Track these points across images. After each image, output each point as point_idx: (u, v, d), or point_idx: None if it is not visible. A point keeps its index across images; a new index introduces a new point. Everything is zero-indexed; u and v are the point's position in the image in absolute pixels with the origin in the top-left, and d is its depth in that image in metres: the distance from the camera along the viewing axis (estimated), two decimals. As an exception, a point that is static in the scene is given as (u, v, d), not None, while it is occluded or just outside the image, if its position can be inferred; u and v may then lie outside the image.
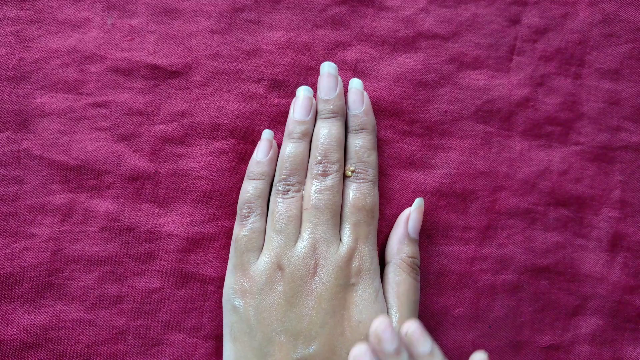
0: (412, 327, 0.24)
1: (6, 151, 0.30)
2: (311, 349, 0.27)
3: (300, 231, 0.29)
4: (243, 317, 0.28)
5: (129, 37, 0.32)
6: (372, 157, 0.30)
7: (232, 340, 0.28)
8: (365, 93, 0.31)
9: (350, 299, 0.28)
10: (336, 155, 0.30)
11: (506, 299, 0.32)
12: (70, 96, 0.31)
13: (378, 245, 0.31)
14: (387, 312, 0.29)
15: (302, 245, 0.28)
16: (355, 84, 0.31)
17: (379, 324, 0.24)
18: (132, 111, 0.31)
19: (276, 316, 0.27)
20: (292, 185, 0.29)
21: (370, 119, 0.31)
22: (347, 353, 0.27)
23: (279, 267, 0.28)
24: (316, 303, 0.28)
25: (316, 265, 0.28)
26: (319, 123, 0.30)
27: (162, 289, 0.30)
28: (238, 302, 0.28)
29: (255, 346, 0.27)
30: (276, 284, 0.28)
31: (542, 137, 0.33)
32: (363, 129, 0.30)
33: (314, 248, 0.28)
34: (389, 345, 0.24)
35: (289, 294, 0.28)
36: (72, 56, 0.31)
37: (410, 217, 0.31)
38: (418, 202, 0.31)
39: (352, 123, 0.31)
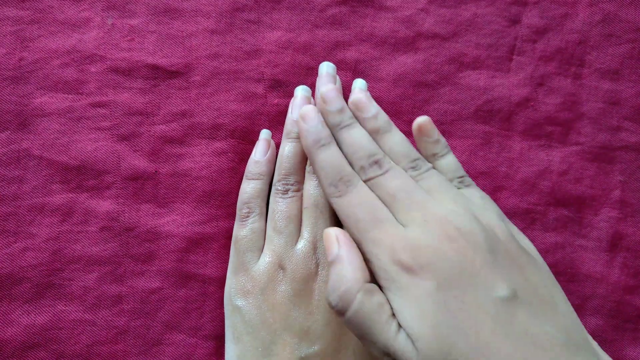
0: (359, 96, 0.27)
1: (6, 151, 0.30)
2: (315, 348, 0.27)
3: (300, 230, 0.29)
4: (246, 318, 0.28)
5: (129, 37, 0.32)
6: None
7: (234, 341, 0.28)
8: (368, 93, 0.31)
9: None
10: None
11: (506, 299, 0.32)
12: (70, 96, 0.31)
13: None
14: None
15: (303, 244, 0.28)
16: (360, 84, 0.31)
17: (325, 89, 0.27)
18: (132, 111, 0.31)
19: (279, 316, 0.27)
20: (292, 184, 0.29)
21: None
22: (352, 351, 0.27)
23: (281, 267, 0.28)
24: (319, 302, 0.28)
25: (317, 265, 0.28)
26: None
27: (162, 289, 0.30)
28: (240, 303, 0.28)
29: (259, 346, 0.27)
30: (278, 284, 0.28)
31: (542, 137, 0.33)
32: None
33: (314, 247, 0.28)
34: (333, 105, 0.26)
35: (291, 294, 0.28)
36: (72, 56, 0.31)
37: None
38: None
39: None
